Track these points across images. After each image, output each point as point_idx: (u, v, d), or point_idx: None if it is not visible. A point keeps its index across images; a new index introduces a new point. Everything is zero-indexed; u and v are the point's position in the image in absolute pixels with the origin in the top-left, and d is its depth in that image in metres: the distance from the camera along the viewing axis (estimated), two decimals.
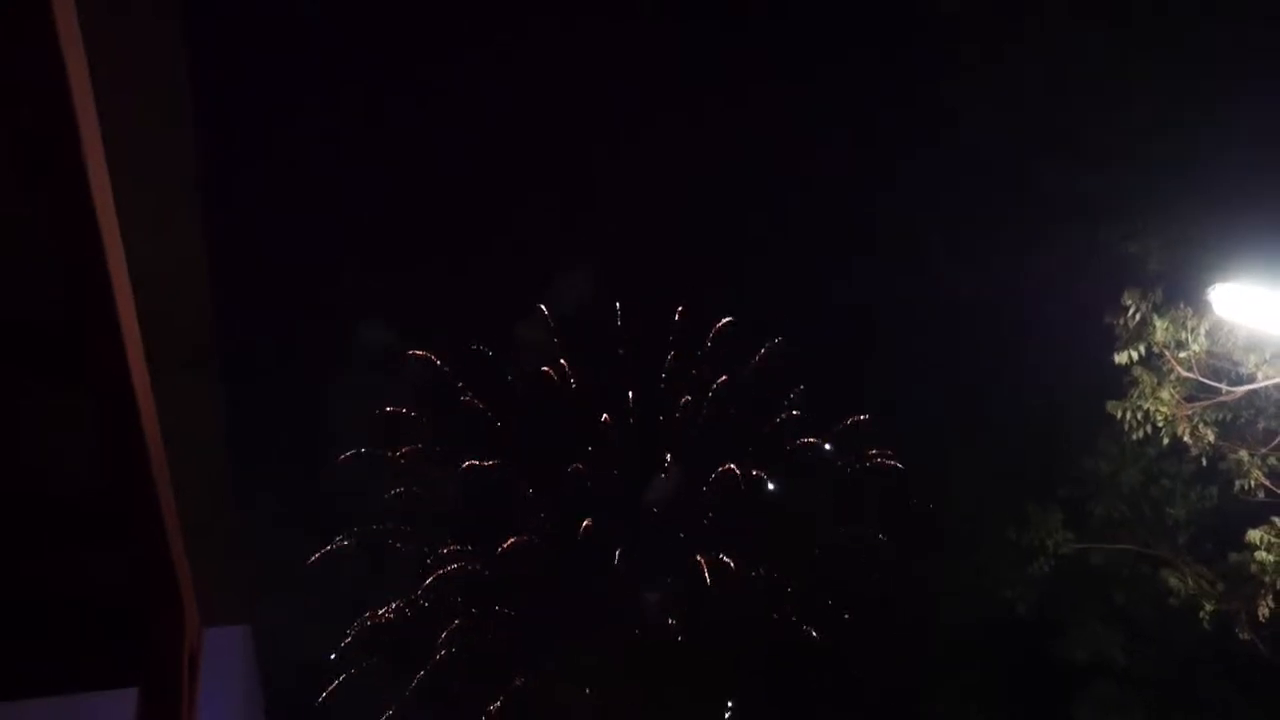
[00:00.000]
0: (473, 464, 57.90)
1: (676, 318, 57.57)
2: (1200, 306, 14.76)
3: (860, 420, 54.16)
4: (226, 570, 7.21)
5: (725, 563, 50.89)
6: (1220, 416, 15.51)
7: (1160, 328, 15.26)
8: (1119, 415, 15.88)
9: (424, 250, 65.70)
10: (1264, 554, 14.82)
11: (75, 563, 6.48)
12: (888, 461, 50.70)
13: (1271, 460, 15.41)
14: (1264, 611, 15.13)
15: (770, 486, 53.65)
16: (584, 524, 54.13)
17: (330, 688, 54.02)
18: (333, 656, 54.85)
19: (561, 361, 57.93)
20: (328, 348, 61.45)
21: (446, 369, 59.64)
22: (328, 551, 57.05)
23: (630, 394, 57.98)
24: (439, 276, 64.39)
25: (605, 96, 73.50)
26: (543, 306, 59.24)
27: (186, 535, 6.43)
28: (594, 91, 72.27)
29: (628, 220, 60.87)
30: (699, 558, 51.74)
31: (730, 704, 44.17)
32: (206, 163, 5.30)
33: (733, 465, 54.90)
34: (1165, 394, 15.47)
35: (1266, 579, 14.91)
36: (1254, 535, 14.96)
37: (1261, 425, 15.67)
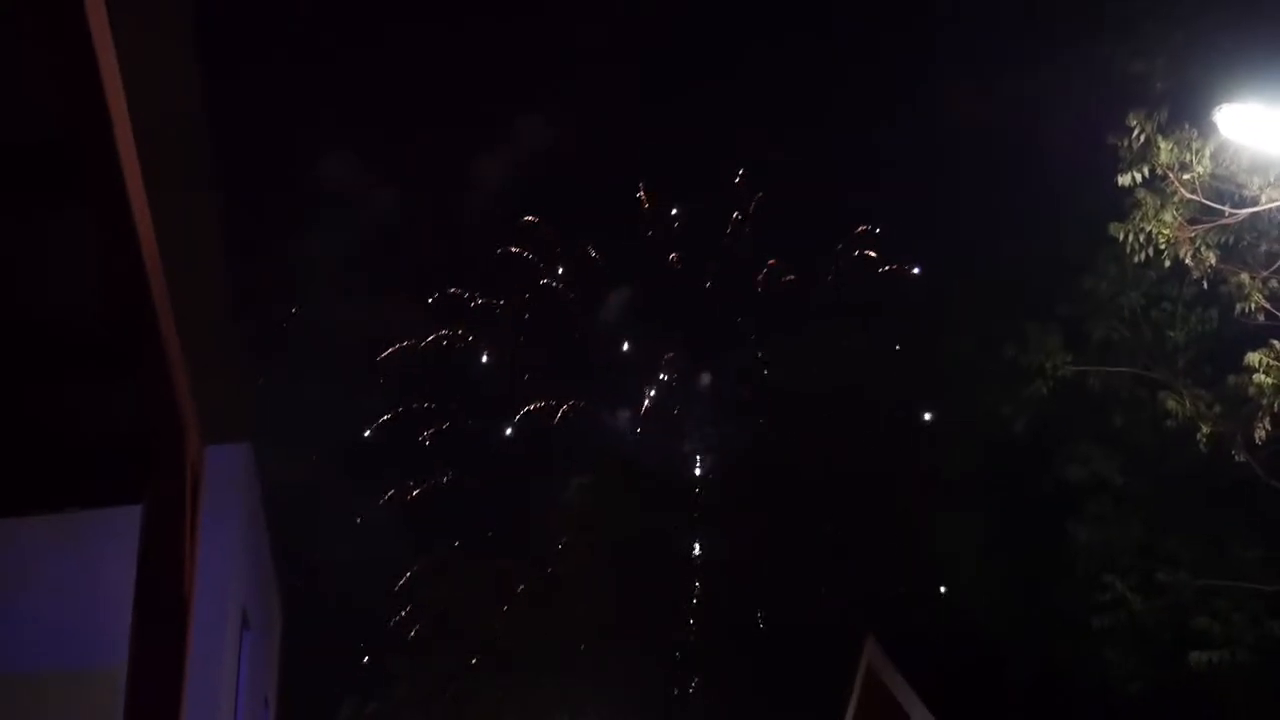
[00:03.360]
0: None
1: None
2: (1206, 127, 14.64)
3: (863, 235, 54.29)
4: (227, 389, 7.25)
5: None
6: (1222, 239, 15.45)
7: (1165, 149, 15.15)
8: (1121, 237, 15.86)
9: (407, 87, 66.10)
10: (1262, 376, 14.88)
11: (78, 382, 6.52)
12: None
13: (1272, 283, 15.39)
14: (1260, 434, 15.22)
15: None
16: None
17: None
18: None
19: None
20: (299, 182, 61.90)
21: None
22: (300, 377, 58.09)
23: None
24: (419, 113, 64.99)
25: None
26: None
27: (187, 354, 6.44)
28: None
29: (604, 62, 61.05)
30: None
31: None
32: None
33: None
34: (1168, 216, 15.41)
35: (1264, 401, 14.98)
36: (1253, 358, 15.01)
37: (1264, 248, 15.63)
